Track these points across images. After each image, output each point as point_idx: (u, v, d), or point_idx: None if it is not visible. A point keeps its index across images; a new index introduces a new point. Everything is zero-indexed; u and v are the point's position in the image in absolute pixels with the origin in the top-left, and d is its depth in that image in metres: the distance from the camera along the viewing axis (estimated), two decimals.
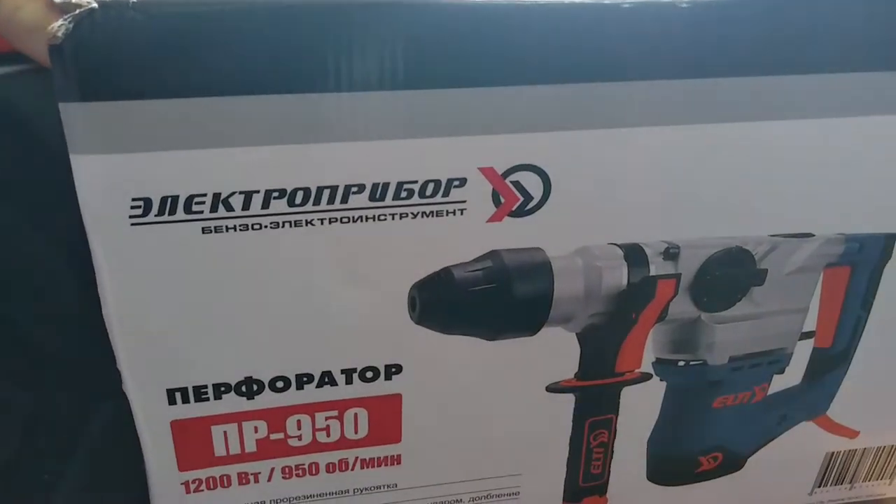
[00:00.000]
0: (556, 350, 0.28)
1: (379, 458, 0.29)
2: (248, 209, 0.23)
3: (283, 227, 0.23)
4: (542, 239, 0.26)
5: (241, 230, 0.23)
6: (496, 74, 0.22)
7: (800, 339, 0.30)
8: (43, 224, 0.24)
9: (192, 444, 0.27)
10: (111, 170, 0.21)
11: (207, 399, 0.26)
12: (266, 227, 0.23)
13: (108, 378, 0.25)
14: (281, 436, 0.28)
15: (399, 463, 0.30)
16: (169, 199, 0.22)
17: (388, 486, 0.30)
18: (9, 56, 0.23)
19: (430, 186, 0.24)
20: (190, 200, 0.22)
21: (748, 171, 0.26)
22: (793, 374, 0.31)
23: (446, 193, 0.24)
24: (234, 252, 0.23)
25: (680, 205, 0.26)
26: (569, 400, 0.30)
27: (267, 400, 0.27)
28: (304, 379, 0.27)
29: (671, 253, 0.27)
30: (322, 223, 0.24)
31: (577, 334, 0.28)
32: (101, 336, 0.24)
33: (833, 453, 0.35)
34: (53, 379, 0.26)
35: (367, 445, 0.29)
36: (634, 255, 0.27)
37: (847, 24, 0.24)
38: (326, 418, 0.28)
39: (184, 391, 0.26)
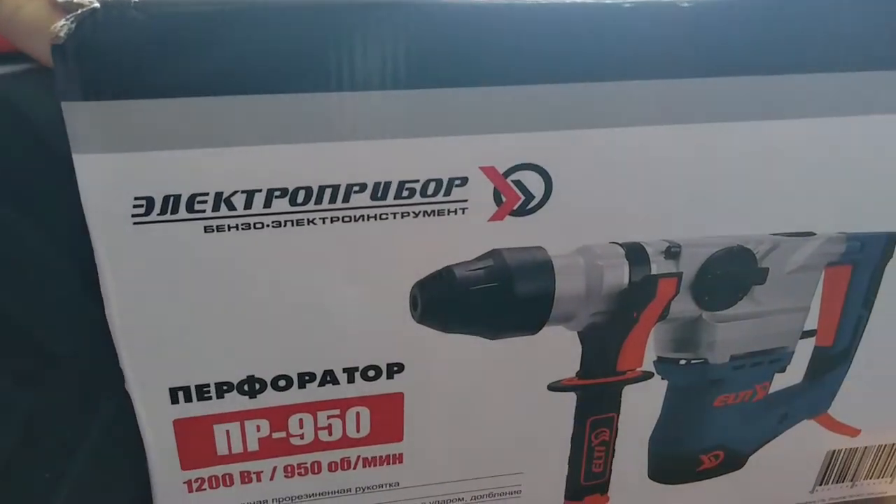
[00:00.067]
0: (557, 349, 0.28)
1: (381, 457, 0.29)
2: (250, 208, 0.23)
3: (284, 226, 0.23)
4: (544, 238, 0.26)
5: (243, 229, 0.23)
6: (497, 74, 0.22)
7: (801, 338, 0.30)
8: (45, 223, 0.24)
9: (194, 442, 0.27)
10: (113, 169, 0.21)
11: (210, 398, 0.26)
12: (268, 226, 0.23)
13: (110, 377, 0.25)
14: (283, 435, 0.28)
15: (401, 462, 0.30)
16: (171, 199, 0.22)
17: (389, 485, 0.30)
18: (10, 55, 0.23)
19: (432, 185, 0.24)
20: (192, 199, 0.22)
21: (749, 170, 0.26)
22: (794, 373, 0.31)
23: (448, 192, 0.24)
24: (236, 251, 0.24)
25: (681, 204, 0.26)
26: (570, 398, 0.30)
27: (269, 399, 0.27)
28: (307, 378, 0.27)
29: (672, 252, 0.27)
30: (324, 222, 0.24)
31: (578, 333, 0.28)
32: (104, 335, 0.24)
33: (834, 452, 0.35)
34: (55, 378, 0.26)
35: (369, 444, 0.29)
36: (636, 253, 0.27)
37: (847, 24, 0.24)
38: (328, 417, 0.28)
39: (186, 390, 0.26)
